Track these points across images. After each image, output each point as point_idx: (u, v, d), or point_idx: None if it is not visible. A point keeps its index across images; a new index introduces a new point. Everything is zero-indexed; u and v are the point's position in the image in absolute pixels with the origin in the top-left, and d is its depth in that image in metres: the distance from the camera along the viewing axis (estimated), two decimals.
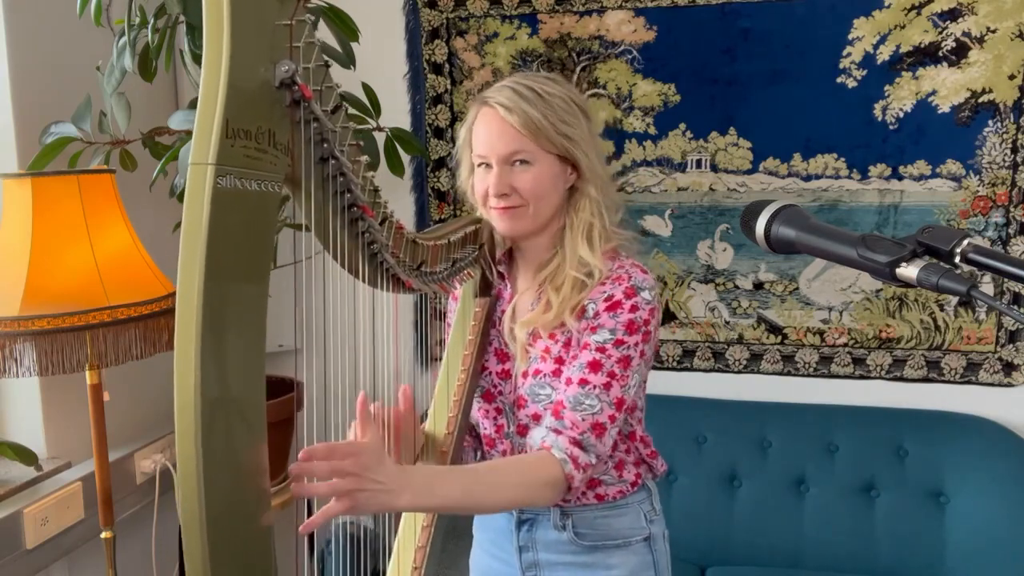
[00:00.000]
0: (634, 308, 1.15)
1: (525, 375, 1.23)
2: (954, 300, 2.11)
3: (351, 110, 1.75)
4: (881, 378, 2.20)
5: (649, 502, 1.29)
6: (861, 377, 2.20)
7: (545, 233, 1.24)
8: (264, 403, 0.79)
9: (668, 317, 2.30)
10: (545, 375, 1.20)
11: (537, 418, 1.21)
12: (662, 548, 1.30)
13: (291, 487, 0.87)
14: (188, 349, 0.71)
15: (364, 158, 0.93)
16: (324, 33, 1.66)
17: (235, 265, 0.74)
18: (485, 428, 1.30)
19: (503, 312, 1.29)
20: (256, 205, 0.76)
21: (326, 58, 0.84)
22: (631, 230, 1.28)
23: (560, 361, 1.20)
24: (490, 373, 1.29)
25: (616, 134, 2.24)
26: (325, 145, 0.86)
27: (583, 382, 1.14)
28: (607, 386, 1.13)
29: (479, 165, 1.21)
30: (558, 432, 1.12)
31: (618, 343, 1.14)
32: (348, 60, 1.70)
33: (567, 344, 1.19)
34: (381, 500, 0.93)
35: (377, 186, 0.97)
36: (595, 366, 1.14)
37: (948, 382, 2.15)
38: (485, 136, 1.19)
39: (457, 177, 1.32)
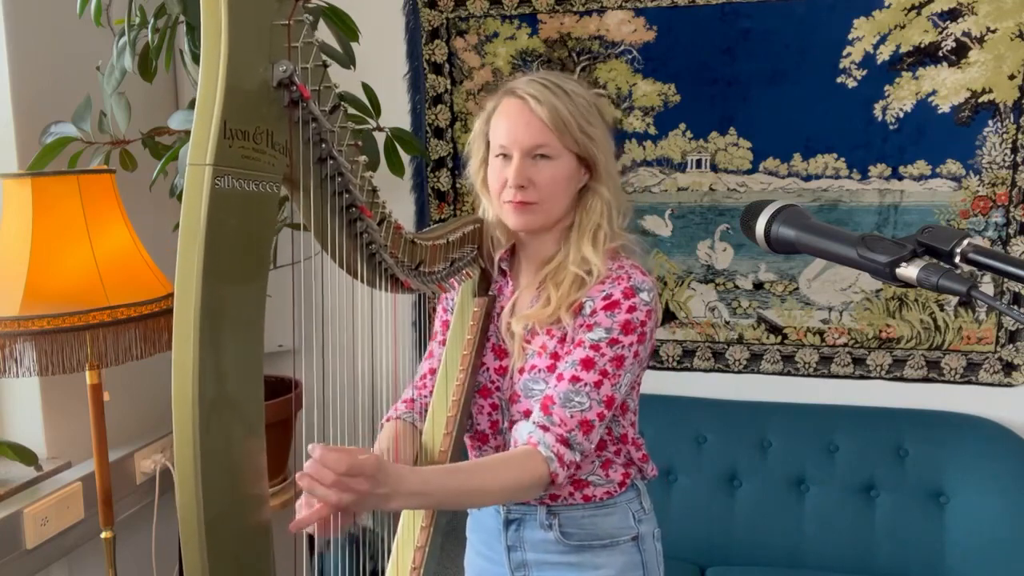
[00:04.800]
0: (632, 309, 1.15)
1: (521, 371, 1.22)
2: (954, 300, 2.11)
3: (351, 110, 1.75)
4: (881, 378, 2.19)
5: (638, 501, 1.28)
6: (861, 377, 2.20)
7: (552, 231, 1.24)
8: (262, 403, 0.80)
9: (668, 317, 2.29)
10: (540, 370, 1.20)
11: (528, 414, 1.20)
12: (652, 548, 1.29)
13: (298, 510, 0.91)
14: (186, 349, 0.71)
15: (362, 158, 0.93)
16: (324, 33, 1.65)
17: (233, 266, 0.74)
18: (479, 424, 1.30)
19: (503, 308, 1.29)
20: (254, 206, 0.76)
21: (324, 58, 0.84)
22: (634, 233, 1.28)
23: (556, 357, 1.19)
24: (487, 369, 1.28)
25: (616, 134, 2.24)
26: (323, 145, 0.86)
27: (574, 379, 1.13)
28: (598, 384, 1.13)
29: (497, 156, 1.19)
30: (545, 428, 1.12)
31: (612, 342, 1.14)
32: (348, 60, 1.70)
33: (562, 340, 1.19)
34: (377, 505, 0.95)
35: (375, 186, 0.97)
36: (588, 363, 1.13)
37: (948, 382, 2.15)
38: (509, 127, 1.17)
39: (466, 168, 1.30)
